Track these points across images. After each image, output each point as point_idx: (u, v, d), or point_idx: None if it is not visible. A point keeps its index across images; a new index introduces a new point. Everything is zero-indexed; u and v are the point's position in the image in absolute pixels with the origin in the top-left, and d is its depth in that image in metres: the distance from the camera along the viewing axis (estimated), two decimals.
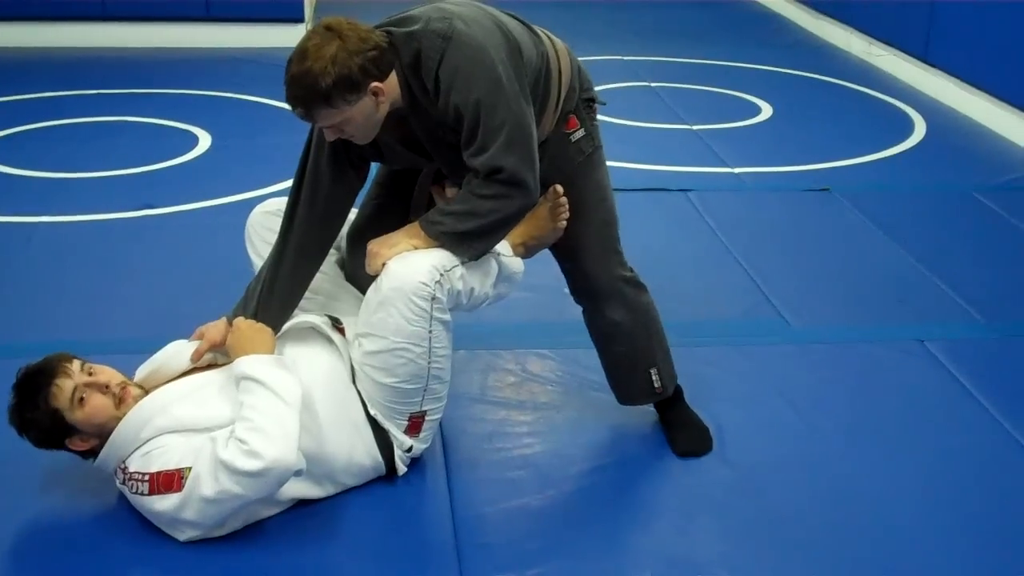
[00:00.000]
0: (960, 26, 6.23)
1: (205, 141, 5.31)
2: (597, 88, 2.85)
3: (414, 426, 2.71)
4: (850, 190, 4.87)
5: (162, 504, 2.44)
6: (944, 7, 6.36)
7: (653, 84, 6.44)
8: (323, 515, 2.64)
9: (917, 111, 6.14)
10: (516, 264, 2.81)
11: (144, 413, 2.52)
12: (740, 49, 7.44)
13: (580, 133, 2.74)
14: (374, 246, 2.61)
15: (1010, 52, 5.70)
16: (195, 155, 5.14)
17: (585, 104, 2.77)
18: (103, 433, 2.52)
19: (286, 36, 7.14)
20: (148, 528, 2.54)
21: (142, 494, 2.46)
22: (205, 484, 2.39)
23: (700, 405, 3.11)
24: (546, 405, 3.16)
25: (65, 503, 2.67)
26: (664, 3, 8.87)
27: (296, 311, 2.79)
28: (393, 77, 2.49)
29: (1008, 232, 4.53)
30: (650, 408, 3.05)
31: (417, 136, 2.62)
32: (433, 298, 2.53)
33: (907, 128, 5.85)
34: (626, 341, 2.92)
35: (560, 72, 2.69)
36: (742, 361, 3.37)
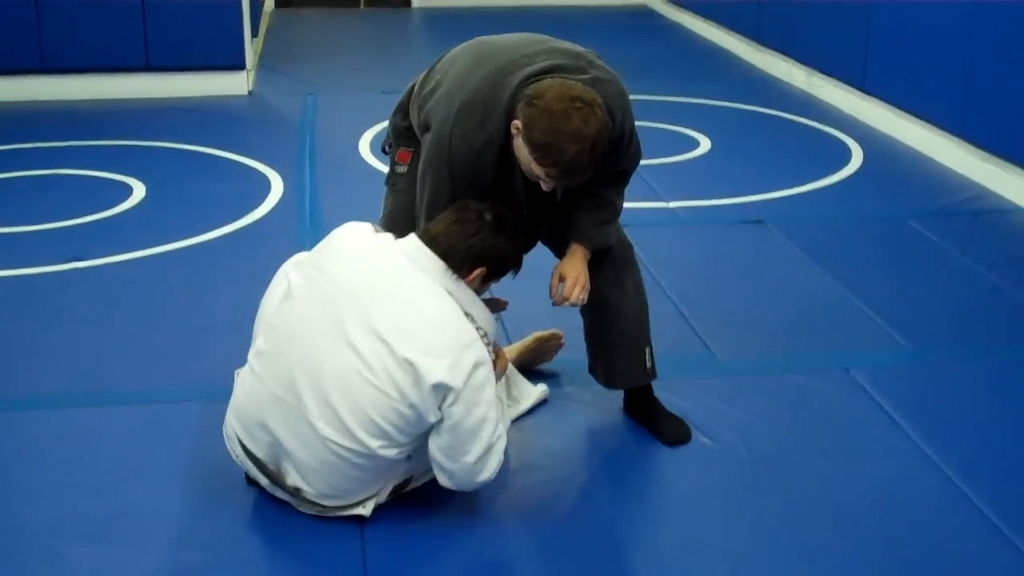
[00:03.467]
0: (894, 54, 6.28)
1: (139, 191, 5.27)
2: None
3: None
4: (784, 221, 4.88)
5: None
6: (878, 36, 6.42)
7: None
8: None
9: (855, 140, 6.17)
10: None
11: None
12: (682, 84, 7.48)
13: None
14: (580, 275, 2.91)
15: (943, 78, 5.75)
16: (128, 206, 5.10)
17: None
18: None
19: (227, 84, 7.16)
20: None
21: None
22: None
23: (623, 442, 3.13)
24: None
25: None
26: (606, 39, 8.88)
27: None
28: None
29: (939, 257, 4.54)
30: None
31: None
32: None
33: (844, 157, 5.88)
34: (633, 316, 3.10)
35: None
36: (666, 396, 3.31)
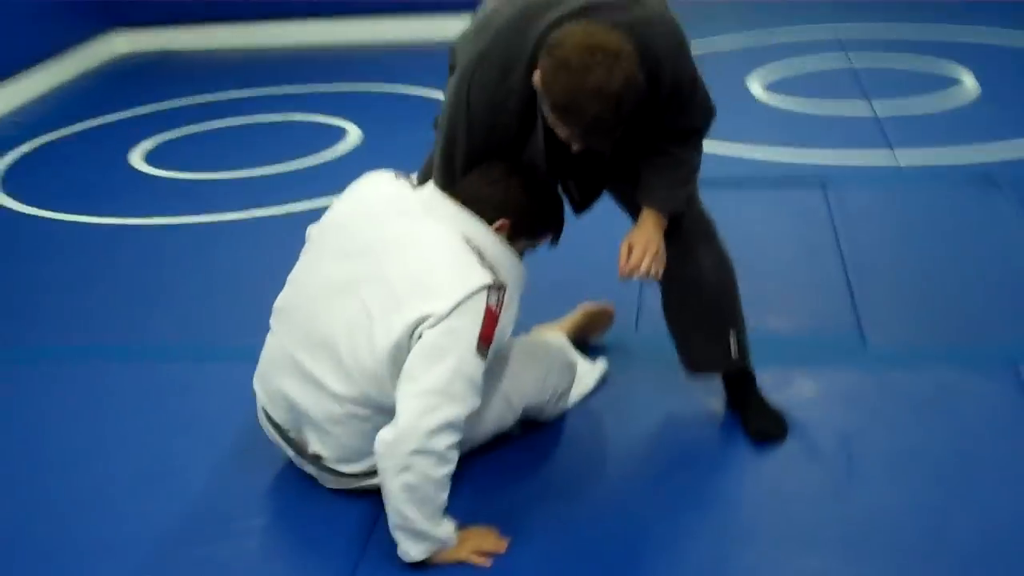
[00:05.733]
0: None
1: (354, 136, 5.27)
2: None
3: None
4: None
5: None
6: None
7: (852, 56, 5.87)
8: None
9: None
10: None
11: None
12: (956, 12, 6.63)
13: None
14: (651, 243, 2.54)
15: None
16: (341, 152, 5.09)
17: None
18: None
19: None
20: None
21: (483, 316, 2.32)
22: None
23: (730, 430, 2.80)
24: None
25: None
26: None
27: None
28: None
29: None
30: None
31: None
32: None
33: None
34: (711, 295, 2.73)
35: None
36: (793, 386, 2.93)
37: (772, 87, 5.53)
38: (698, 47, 2.48)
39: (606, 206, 2.76)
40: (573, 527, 2.48)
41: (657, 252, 2.56)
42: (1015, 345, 3.07)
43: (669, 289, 2.74)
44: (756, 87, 5.56)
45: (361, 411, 2.45)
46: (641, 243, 2.56)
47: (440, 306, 2.29)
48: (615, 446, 2.79)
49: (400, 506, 2.30)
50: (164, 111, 6.00)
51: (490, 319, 2.32)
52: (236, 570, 2.43)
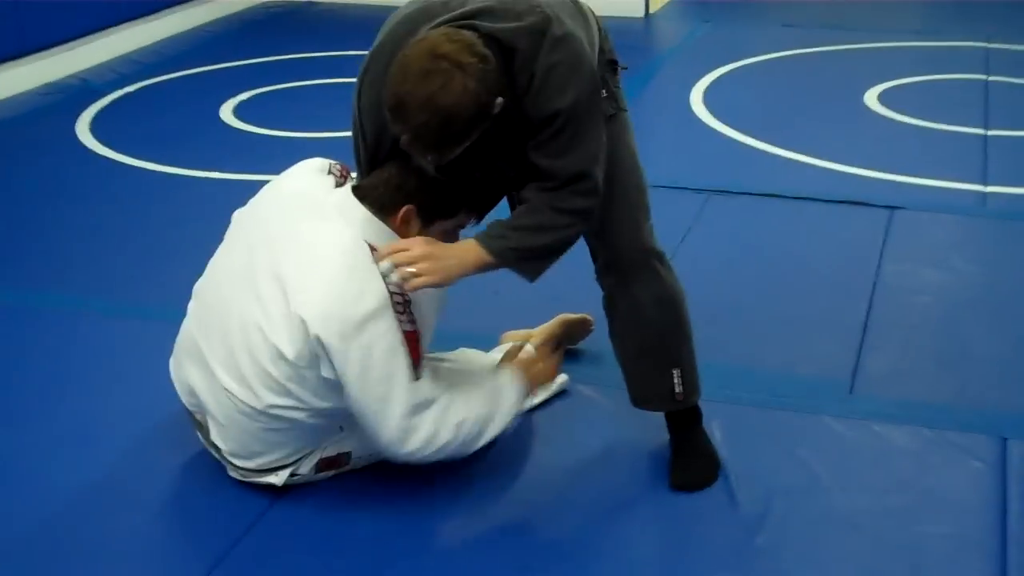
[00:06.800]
0: None
1: None
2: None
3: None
4: None
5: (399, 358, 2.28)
6: None
7: (992, 78, 5.42)
8: None
9: None
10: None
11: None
12: None
13: (602, 95, 2.33)
14: (413, 248, 2.26)
15: None
16: None
17: (608, 66, 2.42)
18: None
19: (624, 5, 6.78)
20: None
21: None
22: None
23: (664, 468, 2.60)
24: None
25: None
26: None
27: None
28: None
29: None
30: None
31: None
32: None
33: None
34: (650, 329, 2.53)
35: (596, 32, 2.38)
36: (747, 429, 2.72)
37: (886, 97, 5.18)
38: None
39: None
40: (442, 558, 2.36)
41: (416, 261, 2.22)
42: (1013, 417, 2.76)
43: (611, 322, 2.57)
44: (871, 96, 5.22)
45: (251, 412, 2.38)
46: (406, 243, 2.28)
47: (330, 330, 2.22)
48: (531, 474, 2.62)
49: (473, 433, 2.41)
50: (272, 63, 6.07)
51: (411, 342, 2.29)
52: (105, 550, 2.38)
